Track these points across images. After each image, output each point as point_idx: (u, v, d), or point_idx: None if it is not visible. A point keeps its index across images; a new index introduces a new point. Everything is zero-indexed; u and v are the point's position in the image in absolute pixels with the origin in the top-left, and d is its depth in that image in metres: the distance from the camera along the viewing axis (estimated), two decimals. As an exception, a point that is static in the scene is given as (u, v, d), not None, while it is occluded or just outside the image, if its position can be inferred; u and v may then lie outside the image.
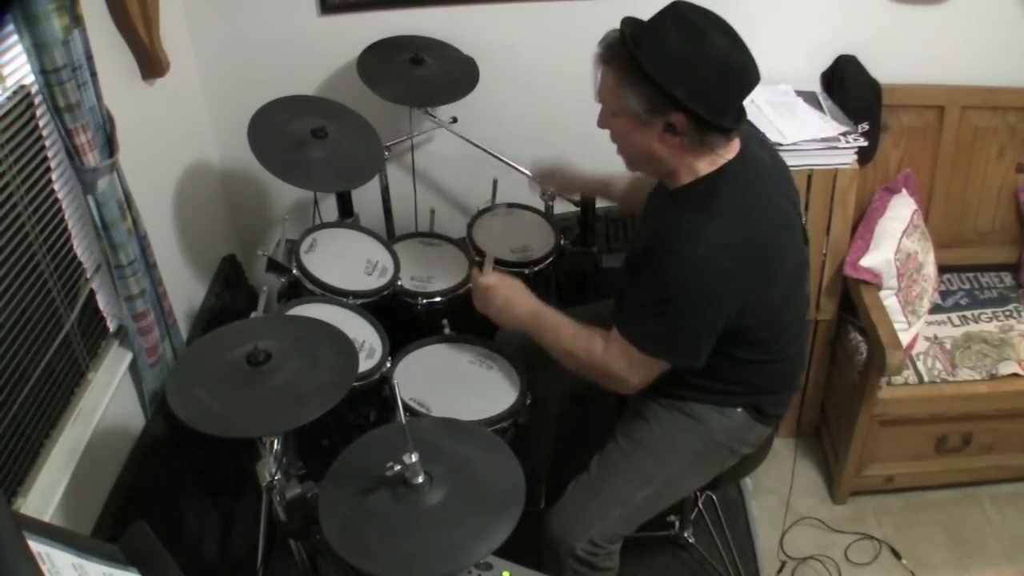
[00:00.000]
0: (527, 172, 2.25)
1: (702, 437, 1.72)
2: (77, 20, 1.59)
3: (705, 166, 1.55)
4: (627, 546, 1.74)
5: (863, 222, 2.47)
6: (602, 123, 1.61)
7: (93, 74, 1.67)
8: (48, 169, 1.69)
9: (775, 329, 1.67)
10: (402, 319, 2.07)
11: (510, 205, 2.39)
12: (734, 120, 1.50)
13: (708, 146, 1.52)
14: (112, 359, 1.91)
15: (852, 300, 2.41)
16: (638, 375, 1.63)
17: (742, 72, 1.47)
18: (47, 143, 1.68)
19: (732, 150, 1.56)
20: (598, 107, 1.51)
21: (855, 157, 2.29)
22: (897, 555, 2.40)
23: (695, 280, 1.49)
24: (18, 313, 1.58)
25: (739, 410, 1.73)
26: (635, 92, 1.47)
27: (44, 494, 1.60)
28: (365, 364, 1.84)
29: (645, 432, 1.73)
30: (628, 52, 1.45)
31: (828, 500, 2.56)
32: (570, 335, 1.69)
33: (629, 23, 1.49)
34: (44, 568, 0.93)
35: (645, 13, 1.50)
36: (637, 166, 1.65)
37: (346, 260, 2.11)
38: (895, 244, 2.37)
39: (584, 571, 1.67)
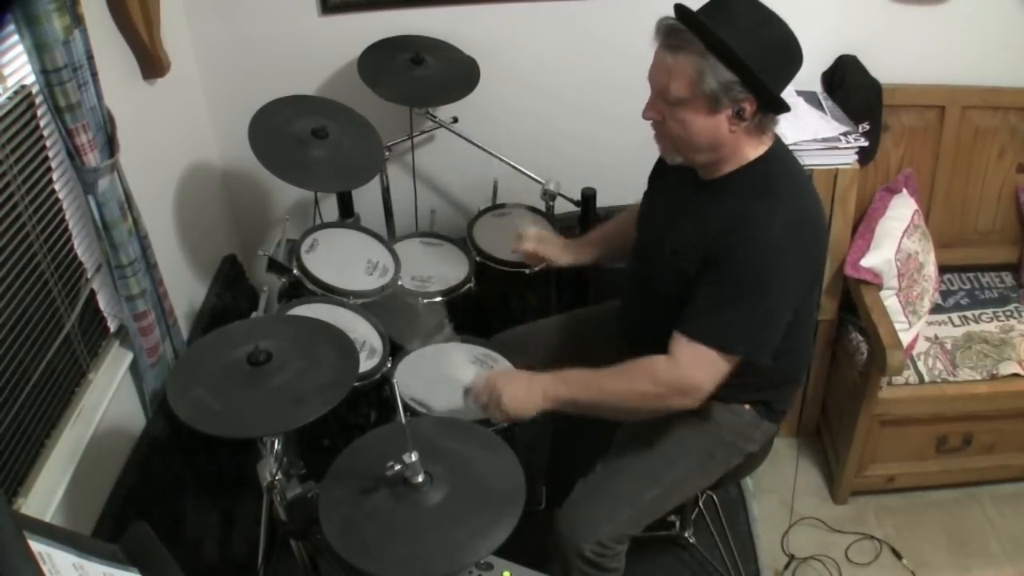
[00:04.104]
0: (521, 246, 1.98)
1: (710, 436, 1.72)
2: (78, 20, 1.59)
3: (751, 151, 1.54)
4: (628, 545, 1.74)
5: (864, 222, 2.47)
6: (653, 114, 1.54)
7: (94, 74, 1.67)
8: (49, 169, 1.69)
9: (805, 313, 1.67)
10: (403, 319, 2.07)
11: (510, 205, 2.39)
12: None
13: (762, 129, 1.52)
14: (113, 359, 1.91)
15: (853, 300, 2.41)
16: (710, 378, 1.53)
17: (799, 52, 1.47)
18: (48, 143, 1.68)
19: (772, 134, 1.56)
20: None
21: (856, 157, 2.29)
22: (898, 555, 2.40)
23: (778, 263, 1.47)
24: (19, 313, 1.58)
25: (747, 407, 1.73)
26: (714, 76, 1.42)
27: (45, 494, 1.60)
28: (366, 364, 1.84)
29: (652, 432, 1.72)
30: (709, 36, 1.40)
31: (829, 500, 2.56)
32: (616, 374, 1.57)
33: (685, 9, 1.45)
34: (45, 568, 0.93)
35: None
36: (690, 156, 1.56)
37: (347, 260, 2.11)
38: (896, 244, 2.37)
39: (591, 572, 1.66)
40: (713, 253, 1.52)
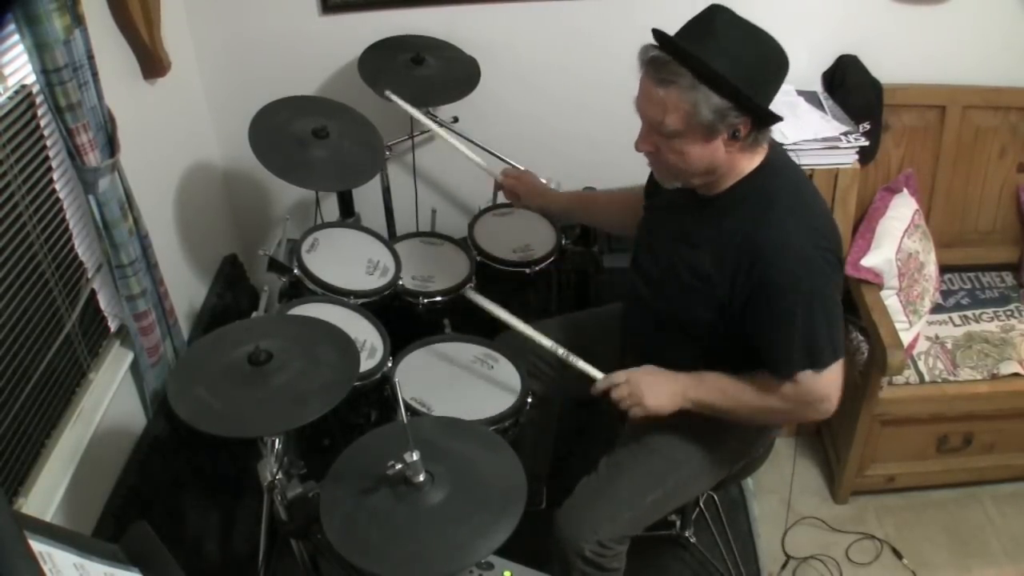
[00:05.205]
0: (496, 176, 2.17)
1: (712, 440, 1.72)
2: (78, 20, 1.59)
3: (747, 165, 1.53)
4: (629, 545, 1.75)
5: (864, 222, 2.47)
6: (648, 147, 1.53)
7: (94, 74, 1.67)
8: (49, 169, 1.69)
9: None
10: (403, 319, 2.07)
11: (511, 204, 2.39)
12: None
13: (758, 143, 1.51)
14: (113, 359, 1.91)
15: (853, 300, 2.41)
16: (833, 388, 1.58)
17: (786, 60, 1.46)
18: (48, 143, 1.68)
19: (766, 144, 1.56)
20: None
21: (856, 157, 2.29)
22: (898, 555, 2.40)
23: (808, 271, 1.48)
24: (19, 313, 1.58)
25: None
26: (708, 106, 1.40)
27: (45, 494, 1.60)
28: (366, 364, 1.83)
29: (655, 434, 1.72)
30: (699, 65, 1.38)
31: (829, 500, 2.56)
32: (751, 388, 1.59)
33: (663, 35, 1.43)
34: (45, 568, 0.93)
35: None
36: (687, 180, 1.55)
37: (347, 260, 2.11)
38: (896, 244, 2.37)
39: (592, 572, 1.66)
40: (748, 287, 1.51)
